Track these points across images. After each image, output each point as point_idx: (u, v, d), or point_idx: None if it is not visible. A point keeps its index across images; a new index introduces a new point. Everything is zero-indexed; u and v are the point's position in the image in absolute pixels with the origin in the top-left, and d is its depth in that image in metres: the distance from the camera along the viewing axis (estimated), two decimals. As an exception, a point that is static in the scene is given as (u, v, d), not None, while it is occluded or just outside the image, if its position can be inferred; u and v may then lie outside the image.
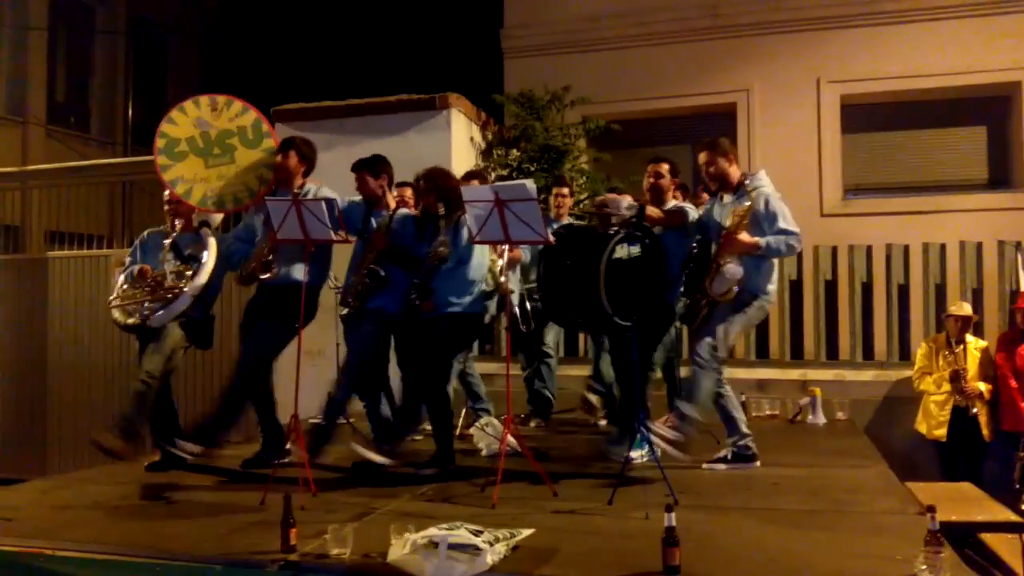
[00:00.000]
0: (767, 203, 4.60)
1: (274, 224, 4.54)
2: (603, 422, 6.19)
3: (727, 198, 4.84)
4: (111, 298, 5.15)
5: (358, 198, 5.15)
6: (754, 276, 4.64)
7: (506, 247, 4.48)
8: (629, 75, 10.03)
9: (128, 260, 5.28)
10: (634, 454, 4.57)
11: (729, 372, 5.11)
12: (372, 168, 5.07)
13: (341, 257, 5.22)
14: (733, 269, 4.53)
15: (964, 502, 5.13)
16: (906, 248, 7.68)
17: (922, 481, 5.70)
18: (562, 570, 3.04)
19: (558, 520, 3.72)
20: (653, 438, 4.42)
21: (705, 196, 5.35)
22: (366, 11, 16.27)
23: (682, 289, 4.88)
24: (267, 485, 4.14)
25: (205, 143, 5.21)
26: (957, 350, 6.59)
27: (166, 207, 5.27)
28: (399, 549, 3.01)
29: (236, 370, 5.12)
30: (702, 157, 4.86)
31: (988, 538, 4.46)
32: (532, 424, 6.41)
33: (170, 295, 4.93)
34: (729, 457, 4.81)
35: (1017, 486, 6.13)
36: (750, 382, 7.26)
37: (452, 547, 2.92)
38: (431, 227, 4.89)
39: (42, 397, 8.95)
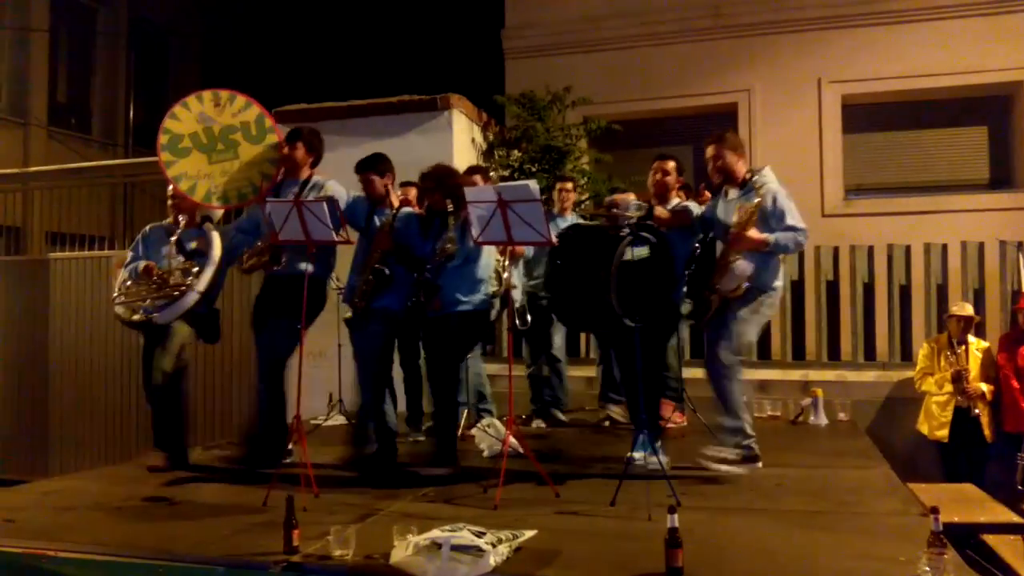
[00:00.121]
0: (775, 200, 4.59)
1: (276, 225, 4.54)
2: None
3: (732, 193, 4.80)
4: (115, 294, 5.14)
5: (364, 194, 5.15)
6: (762, 272, 4.63)
7: None
8: (630, 75, 10.04)
9: (130, 255, 5.26)
10: (636, 454, 4.56)
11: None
12: (376, 168, 5.07)
13: (344, 256, 5.21)
14: (743, 265, 4.52)
15: (966, 503, 5.13)
16: (907, 248, 7.68)
17: (924, 482, 5.69)
18: (565, 571, 3.04)
19: (561, 521, 3.72)
20: (718, 466, 4.50)
21: (707, 195, 5.33)
22: (367, 12, 16.28)
23: (685, 288, 4.87)
24: (269, 486, 4.14)
25: (208, 139, 5.18)
26: (959, 351, 6.58)
27: (169, 202, 5.26)
28: (402, 550, 3.01)
29: (258, 377, 5.06)
30: (709, 150, 4.81)
31: (990, 539, 4.45)
32: (534, 425, 6.41)
33: (176, 292, 4.93)
34: (732, 458, 4.80)
35: (1019, 487, 6.11)
36: (752, 383, 7.23)
37: (455, 548, 2.93)
38: (436, 225, 4.87)
39: (43, 398, 8.96)
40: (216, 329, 5.29)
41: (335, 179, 5.16)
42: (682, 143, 9.36)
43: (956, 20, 9.34)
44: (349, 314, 5.17)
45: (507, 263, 4.60)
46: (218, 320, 5.31)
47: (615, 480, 4.09)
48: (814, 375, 7.35)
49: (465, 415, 5.95)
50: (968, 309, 6.72)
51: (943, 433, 6.57)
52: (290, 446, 4.98)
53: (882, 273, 7.70)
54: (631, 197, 4.98)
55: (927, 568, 2.75)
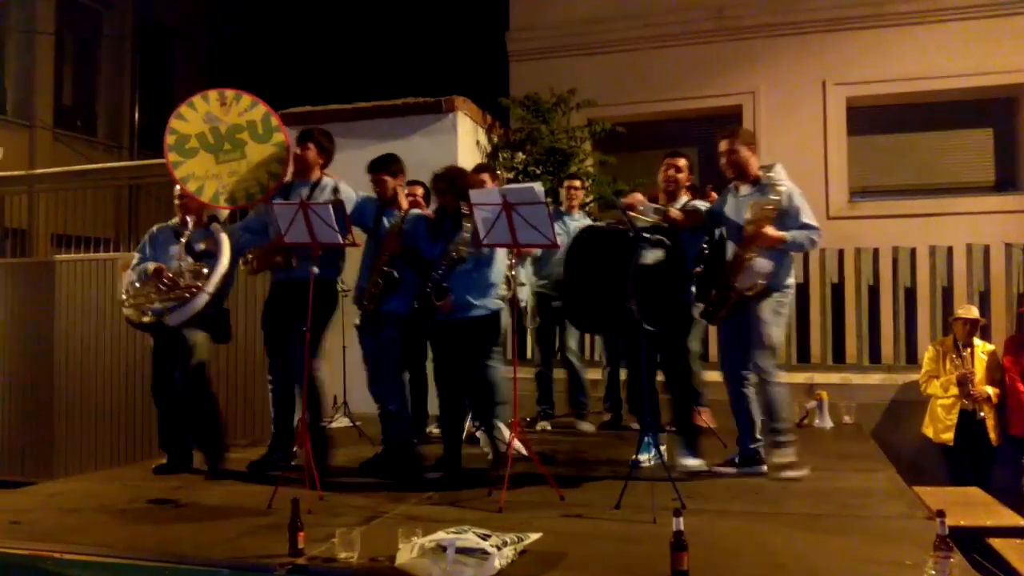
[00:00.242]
0: (791, 198, 4.59)
1: (281, 227, 4.54)
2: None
3: (743, 189, 4.77)
4: (123, 297, 5.12)
5: (373, 195, 5.14)
6: (776, 271, 4.64)
7: None
8: (635, 78, 10.05)
9: (137, 257, 5.24)
10: (641, 457, 4.56)
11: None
12: (389, 168, 5.07)
13: (353, 258, 5.21)
14: (763, 263, 4.52)
15: (972, 506, 5.12)
16: (913, 251, 7.67)
17: (929, 485, 5.68)
18: (570, 574, 3.04)
19: (566, 524, 3.72)
20: (789, 473, 4.53)
21: (714, 196, 5.31)
22: (372, 15, 16.31)
23: (694, 288, 4.86)
24: (274, 488, 4.14)
25: (215, 139, 5.17)
26: (964, 353, 6.56)
27: (176, 203, 5.25)
28: (407, 553, 3.01)
29: (294, 385, 5.00)
30: (723, 144, 4.77)
31: (997, 543, 4.43)
32: (539, 427, 6.41)
33: (187, 294, 4.92)
34: (737, 461, 4.80)
35: (1025, 490, 6.10)
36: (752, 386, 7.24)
37: (460, 551, 2.93)
38: (447, 226, 4.83)
39: (49, 400, 8.96)
40: (227, 329, 5.29)
41: (341, 181, 5.16)
42: (686, 145, 9.32)
43: (961, 22, 9.33)
44: (358, 321, 5.19)
45: (514, 261, 4.59)
46: (228, 320, 5.31)
47: (620, 483, 4.09)
48: (819, 378, 7.34)
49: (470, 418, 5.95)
50: (974, 312, 6.70)
51: (948, 436, 6.55)
52: (295, 448, 5.00)
53: (887, 276, 7.69)
54: (638, 196, 4.97)
55: (933, 572, 2.74)
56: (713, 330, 6.00)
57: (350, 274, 5.29)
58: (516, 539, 3.15)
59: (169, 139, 5.16)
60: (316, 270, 4.58)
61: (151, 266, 5.04)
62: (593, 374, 6.88)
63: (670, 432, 5.24)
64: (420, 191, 5.63)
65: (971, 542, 4.31)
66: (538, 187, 4.12)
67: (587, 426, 6.38)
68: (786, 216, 4.57)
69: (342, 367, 6.53)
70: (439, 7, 15.37)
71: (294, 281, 4.80)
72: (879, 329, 7.68)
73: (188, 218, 5.15)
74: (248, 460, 5.11)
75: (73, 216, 9.70)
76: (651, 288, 4.36)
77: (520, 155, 8.79)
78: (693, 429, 4.95)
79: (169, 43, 16.53)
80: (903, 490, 4.42)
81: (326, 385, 5.15)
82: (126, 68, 15.47)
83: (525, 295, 5.94)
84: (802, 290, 7.72)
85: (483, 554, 2.93)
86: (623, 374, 6.51)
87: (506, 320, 5.00)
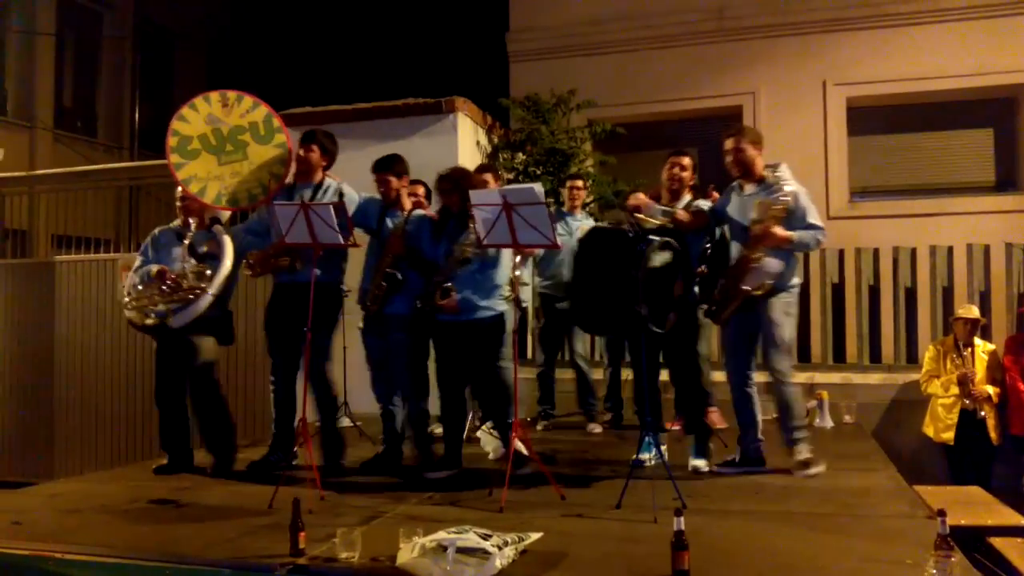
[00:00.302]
0: (798, 198, 4.60)
1: (282, 228, 4.54)
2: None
3: (748, 188, 4.75)
4: (126, 300, 5.10)
5: (377, 196, 5.13)
6: (783, 270, 4.65)
7: None
8: (635, 78, 10.05)
9: (140, 260, 5.21)
10: (642, 456, 4.56)
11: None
12: (394, 168, 5.06)
13: (355, 259, 5.21)
14: (773, 263, 4.53)
15: (973, 506, 5.12)
16: (913, 251, 7.67)
17: (930, 485, 5.68)
18: (571, 574, 3.04)
19: (566, 524, 3.71)
20: (809, 471, 4.56)
21: (715, 195, 5.30)
22: (373, 15, 16.32)
23: (697, 289, 4.85)
24: (275, 488, 4.14)
25: (217, 140, 5.17)
26: (965, 353, 6.56)
27: (178, 204, 5.25)
28: (408, 553, 3.01)
29: (314, 392, 4.99)
30: (729, 143, 4.75)
31: (997, 542, 4.43)
32: (539, 427, 6.41)
33: (191, 295, 4.92)
34: (737, 460, 4.81)
35: (1026, 490, 6.11)
36: (758, 385, 7.23)
37: (461, 551, 2.93)
38: (450, 227, 4.83)
39: (49, 400, 8.97)
40: (230, 331, 5.29)
41: (344, 183, 5.16)
42: (687, 146, 9.33)
43: (961, 22, 9.33)
44: (362, 324, 5.18)
45: (518, 260, 4.59)
46: (231, 322, 5.31)
47: (621, 482, 4.09)
48: (820, 377, 7.33)
49: (471, 417, 5.96)
50: (974, 312, 6.70)
51: (949, 436, 6.55)
52: (295, 448, 5.01)
53: (887, 275, 7.69)
54: (644, 198, 4.96)
55: (934, 571, 2.74)
56: (715, 329, 6.02)
57: (352, 275, 5.29)
58: (517, 539, 3.15)
59: (171, 141, 5.15)
60: (318, 271, 4.59)
61: (154, 268, 5.02)
62: (595, 374, 6.88)
63: (672, 431, 5.25)
64: (421, 190, 5.63)
65: (972, 541, 4.31)
66: (538, 187, 4.12)
67: (597, 427, 6.39)
68: (792, 216, 4.57)
69: (343, 367, 6.53)
70: (439, 7, 15.39)
71: (298, 283, 4.80)
72: (879, 329, 7.68)
73: (190, 220, 5.15)
74: (248, 460, 5.11)
75: (73, 217, 9.71)
76: (661, 291, 4.37)
77: (520, 156, 8.79)
78: (705, 430, 4.96)
79: (169, 43, 16.53)
80: (904, 489, 4.43)
81: (337, 386, 5.18)
82: (126, 68, 15.47)
83: (528, 296, 5.94)
84: (803, 290, 7.60)
85: (484, 554, 2.94)
86: (624, 374, 6.52)
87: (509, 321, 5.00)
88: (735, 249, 4.72)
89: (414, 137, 7.56)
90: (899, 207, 9.38)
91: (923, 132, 9.92)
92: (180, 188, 5.19)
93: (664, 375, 5.16)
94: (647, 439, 4.46)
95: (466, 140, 7.87)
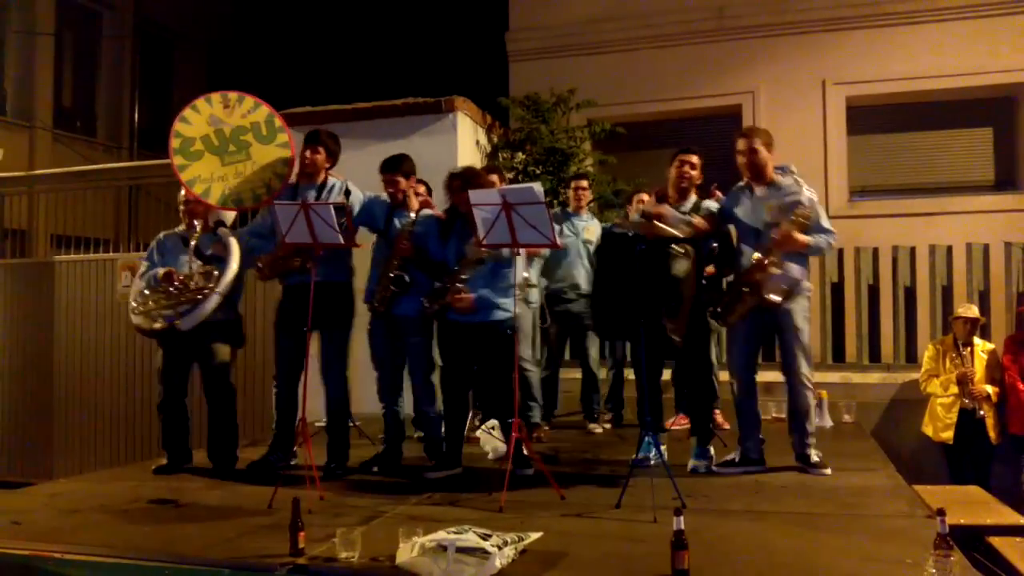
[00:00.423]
0: (813, 204, 4.59)
1: (282, 228, 4.54)
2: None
3: (759, 191, 4.71)
4: (132, 305, 5.04)
5: (383, 195, 5.11)
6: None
7: None
8: (634, 78, 10.05)
9: (145, 264, 5.18)
10: (644, 456, 4.56)
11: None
12: (402, 168, 5.02)
13: (363, 259, 5.20)
14: (796, 269, 4.55)
15: (972, 505, 5.13)
16: (912, 250, 7.67)
17: (929, 484, 5.69)
18: (570, 574, 3.04)
19: (566, 523, 3.72)
20: (821, 471, 4.59)
21: (718, 194, 5.27)
22: (372, 15, 16.32)
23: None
24: (275, 488, 4.15)
25: (220, 141, 5.16)
26: (964, 352, 6.57)
27: (181, 208, 5.24)
28: (407, 552, 3.01)
29: (330, 392, 5.01)
30: (742, 143, 4.70)
31: (997, 541, 4.44)
32: (544, 427, 6.40)
33: (199, 296, 4.89)
34: (737, 460, 4.81)
35: (1025, 488, 6.11)
36: (758, 385, 7.24)
37: (460, 551, 2.93)
38: (459, 225, 4.79)
39: (48, 400, 8.97)
40: (240, 334, 5.29)
41: (349, 181, 5.16)
42: (686, 145, 9.35)
43: (961, 21, 9.34)
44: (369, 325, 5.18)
45: (523, 260, 4.58)
46: (241, 325, 5.30)
47: (620, 482, 4.09)
48: (819, 377, 7.24)
49: (470, 417, 5.95)
50: (973, 311, 6.70)
51: (948, 435, 6.56)
52: (295, 448, 5.01)
53: (887, 275, 7.70)
54: (645, 197, 4.94)
55: (933, 570, 2.74)
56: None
57: (360, 276, 5.27)
58: (517, 538, 3.15)
59: (174, 143, 5.14)
60: (325, 272, 4.58)
61: (161, 271, 5.00)
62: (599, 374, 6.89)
63: (672, 431, 5.24)
64: (423, 189, 5.62)
65: (971, 540, 4.33)
66: (537, 187, 4.12)
67: (598, 428, 6.39)
68: (808, 221, 4.57)
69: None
70: (439, 7, 15.39)
71: (309, 284, 4.75)
72: (879, 328, 7.69)
73: (195, 223, 5.14)
74: (248, 460, 5.11)
75: (73, 217, 9.70)
76: (682, 300, 4.38)
77: (520, 155, 8.78)
78: (709, 434, 4.96)
79: (169, 43, 16.52)
80: (903, 489, 4.42)
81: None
82: (126, 69, 15.45)
83: (536, 297, 5.93)
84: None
85: (484, 553, 2.94)
86: (626, 374, 6.52)
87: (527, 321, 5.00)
88: (747, 253, 4.65)
89: (414, 136, 7.56)
90: (898, 206, 9.38)
91: (922, 131, 9.93)
92: (183, 191, 5.18)
93: (665, 375, 5.16)
94: (647, 439, 4.46)
95: (466, 139, 7.87)
